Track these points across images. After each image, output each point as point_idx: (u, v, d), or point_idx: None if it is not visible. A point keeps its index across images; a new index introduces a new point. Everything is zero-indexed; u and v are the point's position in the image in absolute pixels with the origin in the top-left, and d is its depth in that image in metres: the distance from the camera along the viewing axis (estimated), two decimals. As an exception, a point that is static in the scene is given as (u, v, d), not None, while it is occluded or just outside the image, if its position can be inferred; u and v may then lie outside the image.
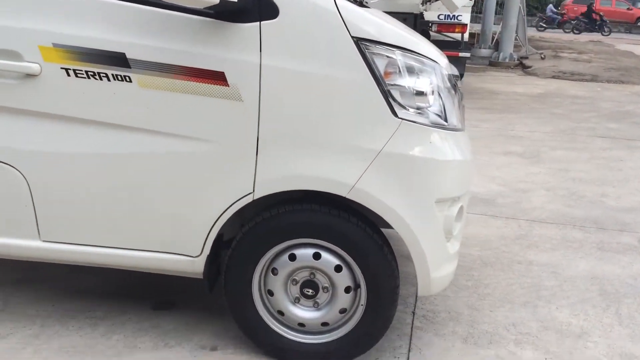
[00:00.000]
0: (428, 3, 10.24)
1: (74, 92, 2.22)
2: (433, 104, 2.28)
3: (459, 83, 2.87)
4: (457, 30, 10.39)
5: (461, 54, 9.99)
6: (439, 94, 2.31)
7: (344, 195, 2.20)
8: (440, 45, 10.79)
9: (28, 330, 2.62)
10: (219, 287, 2.45)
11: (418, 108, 2.23)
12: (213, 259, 2.40)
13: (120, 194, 2.32)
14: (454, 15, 10.81)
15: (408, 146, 2.20)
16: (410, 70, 2.22)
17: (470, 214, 4.22)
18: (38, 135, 2.29)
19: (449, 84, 2.35)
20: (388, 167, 2.19)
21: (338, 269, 2.32)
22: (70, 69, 2.20)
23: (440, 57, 2.39)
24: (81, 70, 2.19)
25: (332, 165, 2.20)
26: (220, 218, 2.28)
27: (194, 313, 2.79)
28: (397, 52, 2.18)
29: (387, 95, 2.17)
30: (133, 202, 2.32)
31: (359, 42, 2.14)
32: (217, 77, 2.16)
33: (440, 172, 2.27)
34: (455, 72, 2.69)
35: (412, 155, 2.20)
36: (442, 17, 10.83)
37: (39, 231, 2.40)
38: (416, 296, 3.01)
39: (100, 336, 2.59)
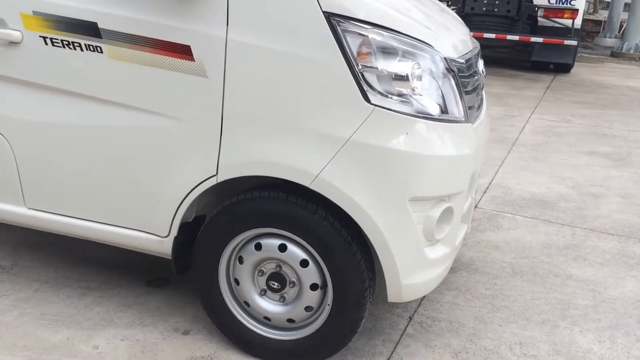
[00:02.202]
0: None
1: (51, 61, 2.21)
2: (422, 91, 2.03)
3: (481, 67, 2.56)
4: (566, 15, 9.59)
5: (567, 42, 9.23)
6: (435, 81, 2.06)
7: (306, 186, 2.02)
8: (546, 31, 10.01)
9: (22, 293, 2.68)
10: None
11: (400, 95, 2.00)
12: (188, 241, 2.32)
13: (92, 167, 2.29)
14: (566, 0, 10.02)
15: (380, 136, 1.97)
16: (389, 52, 1.98)
17: (518, 216, 3.84)
18: (21, 103, 2.31)
19: (446, 70, 2.08)
20: (356, 158, 1.98)
21: (304, 263, 2.15)
22: (47, 37, 2.18)
23: (437, 39, 2.11)
24: (57, 39, 2.17)
25: (296, 152, 2.02)
26: (186, 199, 2.19)
27: (182, 294, 2.73)
28: (372, 30, 1.95)
29: (359, 78, 1.95)
30: (102, 176, 2.29)
31: (330, 17, 1.93)
32: (183, 51, 2.05)
33: (418, 167, 2.01)
34: (471, 55, 2.38)
35: (384, 147, 1.97)
36: (552, 0, 10.07)
37: (24, 198, 2.44)
38: (420, 300, 2.76)
39: (84, 307, 2.61)
